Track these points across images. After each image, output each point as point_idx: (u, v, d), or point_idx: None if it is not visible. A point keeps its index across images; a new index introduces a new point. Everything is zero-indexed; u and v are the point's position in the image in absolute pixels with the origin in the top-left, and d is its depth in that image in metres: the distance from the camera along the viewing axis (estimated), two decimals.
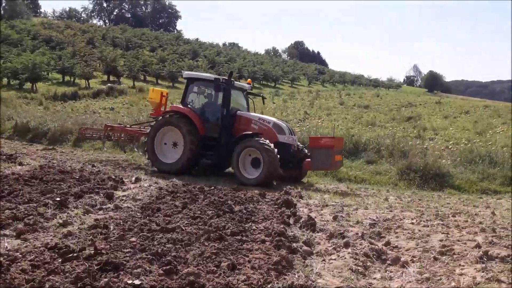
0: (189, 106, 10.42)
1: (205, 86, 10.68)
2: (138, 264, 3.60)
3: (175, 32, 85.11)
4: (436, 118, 23.48)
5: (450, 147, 13.54)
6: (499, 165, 10.42)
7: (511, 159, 10.49)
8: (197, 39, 67.56)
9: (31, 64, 26.39)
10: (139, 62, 36.97)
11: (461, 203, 7.82)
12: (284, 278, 3.51)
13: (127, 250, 4.00)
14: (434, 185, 10.04)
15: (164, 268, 3.59)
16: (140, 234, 4.58)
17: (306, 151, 9.95)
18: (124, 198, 6.51)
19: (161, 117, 10.47)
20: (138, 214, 5.62)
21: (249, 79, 12.46)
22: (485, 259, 4.19)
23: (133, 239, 4.41)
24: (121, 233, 4.55)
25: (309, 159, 9.47)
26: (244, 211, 5.97)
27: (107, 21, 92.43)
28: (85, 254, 3.72)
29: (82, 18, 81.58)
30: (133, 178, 8.27)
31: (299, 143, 10.44)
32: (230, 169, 10.41)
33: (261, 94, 12.46)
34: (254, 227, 5.16)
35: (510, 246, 4.52)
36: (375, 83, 63.32)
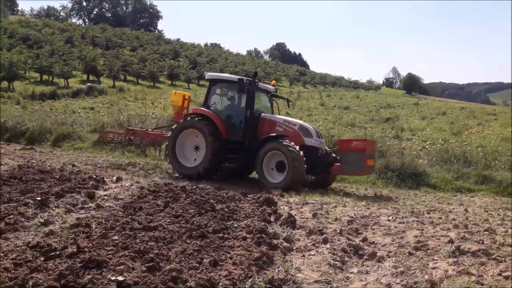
0: (211, 108, 10.11)
1: (228, 88, 10.30)
2: (121, 261, 3.65)
3: (156, 32, 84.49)
4: (414, 119, 24.04)
5: (426, 147, 13.94)
6: (473, 164, 10.80)
7: (485, 158, 10.87)
8: (179, 39, 67.40)
9: (8, 62, 25.83)
10: (119, 62, 36.63)
11: (436, 201, 8.08)
12: (265, 273, 3.62)
13: (110, 248, 4.04)
14: (410, 184, 10.33)
15: (147, 265, 3.65)
16: (123, 233, 4.62)
17: (334, 155, 9.55)
18: (105, 197, 6.51)
19: (182, 120, 10.03)
20: (120, 213, 5.64)
21: (273, 81, 12.04)
22: (457, 254, 4.36)
23: (115, 237, 4.45)
24: (104, 231, 4.57)
25: (339, 164, 9.02)
26: (226, 210, 6.05)
27: (86, 20, 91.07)
28: (67, 252, 3.74)
29: (60, 17, 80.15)
30: (114, 178, 8.24)
31: (326, 147, 10.01)
32: (255, 174, 10.04)
33: (286, 97, 12.10)
34: (235, 225, 5.25)
35: (481, 241, 4.73)
36: (355, 85, 64.22)
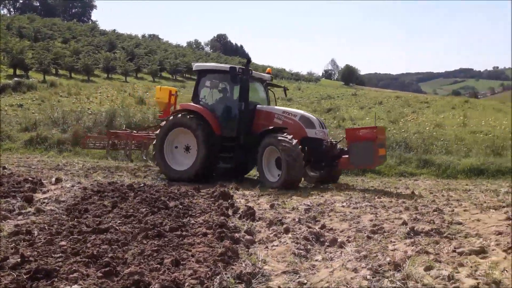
0: (201, 102, 9.26)
1: (219, 79, 9.43)
2: (74, 268, 3.33)
3: (90, 22, 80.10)
4: (353, 109, 24.94)
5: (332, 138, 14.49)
6: (413, 150, 11.37)
7: (424, 144, 11.49)
8: (114, 30, 64.27)
9: None
10: (50, 55, 34.20)
11: (383, 186, 8.40)
12: (232, 268, 3.49)
13: (58, 255, 3.68)
14: (356, 171, 10.64)
15: (103, 270, 3.36)
16: (70, 237, 4.25)
17: (339, 147, 8.71)
18: (45, 200, 5.99)
19: (170, 118, 9.15)
20: (64, 216, 5.21)
21: (268, 68, 10.66)
22: (412, 235, 4.51)
23: (62, 243, 4.07)
24: (48, 237, 4.17)
25: (346, 156, 8.14)
26: (180, 206, 5.82)
27: (12, 9, 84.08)
28: (10, 263, 3.35)
29: None
30: (53, 179, 7.63)
31: (332, 139, 9.13)
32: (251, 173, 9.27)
33: (283, 86, 11.12)
34: (193, 221, 5.05)
35: (432, 221, 4.93)
36: (296, 77, 65.42)
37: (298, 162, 7.70)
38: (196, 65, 9.79)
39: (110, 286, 3.10)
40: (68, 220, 4.99)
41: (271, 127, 8.40)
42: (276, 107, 9.40)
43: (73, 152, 12.80)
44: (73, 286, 2.98)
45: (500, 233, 4.31)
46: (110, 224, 4.78)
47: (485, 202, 6.06)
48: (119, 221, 4.96)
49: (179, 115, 9.01)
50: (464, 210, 5.49)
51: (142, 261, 3.66)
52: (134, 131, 11.87)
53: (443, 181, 9.41)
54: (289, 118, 8.61)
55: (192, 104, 9.30)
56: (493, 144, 12.32)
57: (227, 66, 9.14)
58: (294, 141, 7.77)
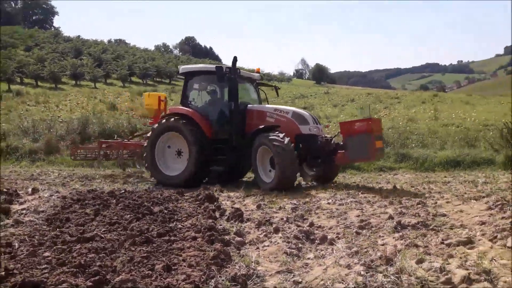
0: (190, 105, 9.05)
1: (206, 80, 9.19)
2: (62, 279, 3.20)
3: (53, 29, 77.97)
4: (327, 107, 25.25)
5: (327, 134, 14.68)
6: (390, 144, 11.57)
7: (400, 138, 11.72)
8: (79, 36, 62.84)
9: None
10: (13, 63, 33.14)
11: (364, 181, 8.50)
12: (226, 271, 3.44)
13: (44, 267, 3.54)
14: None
15: (92, 279, 3.25)
16: (54, 248, 4.09)
17: (335, 142, 8.29)
18: (23, 211, 5.75)
19: (160, 122, 8.91)
20: (45, 226, 5.02)
21: (257, 68, 10.41)
22: (400, 228, 4.57)
23: (46, 253, 3.92)
24: (31, 249, 4.01)
25: (342, 151, 7.82)
26: (165, 211, 5.70)
27: None
28: None
29: None
30: (29, 189, 7.35)
31: (326, 134, 8.82)
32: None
33: (274, 85, 10.83)
34: (180, 226, 4.96)
35: (417, 215, 5.02)
36: (268, 77, 65.64)
37: (291, 161, 7.38)
38: (183, 68, 9.58)
39: None
40: (49, 230, 4.81)
41: (262, 126, 8.18)
42: (267, 105, 9.19)
43: (47, 161, 12.40)
44: None
45: (483, 223, 4.43)
46: (95, 232, 4.64)
47: (465, 193, 6.22)
48: (104, 229, 4.81)
49: (169, 119, 8.80)
50: (447, 202, 5.61)
51: (132, 268, 3.56)
52: (125, 140, 11.57)
53: (422, 174, 9.63)
54: (281, 116, 8.37)
55: (180, 107, 9.14)
56: (467, 136, 12.72)
57: (213, 66, 8.92)
58: (286, 139, 7.48)
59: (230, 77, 8.54)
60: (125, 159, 11.34)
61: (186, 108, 8.94)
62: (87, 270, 3.44)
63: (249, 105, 8.94)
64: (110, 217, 5.39)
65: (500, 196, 5.57)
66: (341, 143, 7.94)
